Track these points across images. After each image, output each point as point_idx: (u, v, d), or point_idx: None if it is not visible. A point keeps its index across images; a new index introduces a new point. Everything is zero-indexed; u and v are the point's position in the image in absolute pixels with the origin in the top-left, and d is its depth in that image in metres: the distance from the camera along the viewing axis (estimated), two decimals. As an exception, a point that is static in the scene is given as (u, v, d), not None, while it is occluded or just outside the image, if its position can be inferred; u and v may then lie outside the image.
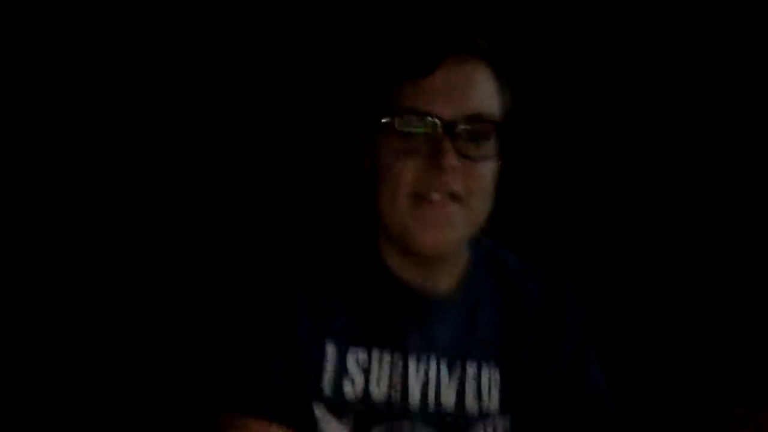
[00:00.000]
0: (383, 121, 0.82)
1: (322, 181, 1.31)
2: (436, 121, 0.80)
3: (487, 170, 0.84)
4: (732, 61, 1.33)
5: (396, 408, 0.86)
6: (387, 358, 0.87)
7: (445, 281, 0.91)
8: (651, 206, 1.38)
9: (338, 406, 0.85)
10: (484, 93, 0.83)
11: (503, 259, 0.97)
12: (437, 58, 0.81)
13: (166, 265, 1.34)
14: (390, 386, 0.87)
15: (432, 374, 0.88)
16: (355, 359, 0.87)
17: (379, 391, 0.86)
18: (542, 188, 1.37)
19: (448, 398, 0.88)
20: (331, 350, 0.87)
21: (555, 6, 1.31)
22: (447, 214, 0.82)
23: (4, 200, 1.24)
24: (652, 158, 1.37)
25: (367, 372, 0.86)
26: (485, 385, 0.89)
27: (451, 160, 0.79)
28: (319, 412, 0.85)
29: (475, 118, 0.81)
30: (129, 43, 1.30)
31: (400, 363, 0.87)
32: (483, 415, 0.88)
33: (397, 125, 0.81)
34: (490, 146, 0.83)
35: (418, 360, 0.88)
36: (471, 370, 0.89)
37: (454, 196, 0.81)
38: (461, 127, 0.80)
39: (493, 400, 0.89)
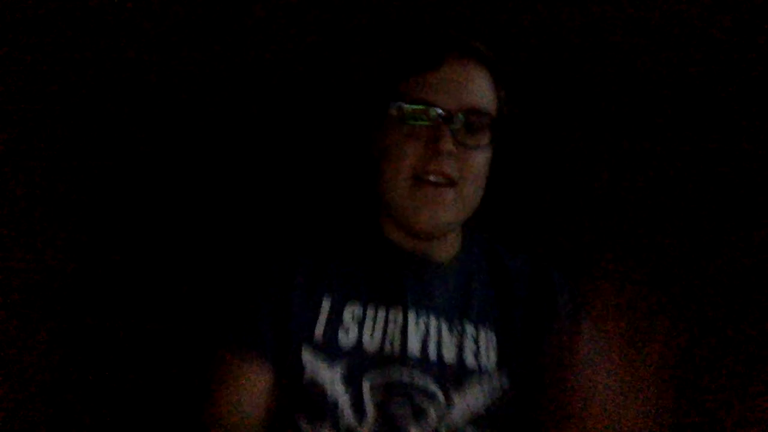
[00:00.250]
0: (392, 110, 0.93)
1: (331, 166, 1.36)
2: (438, 110, 0.90)
3: (480, 159, 0.94)
4: (722, 59, 1.34)
5: (390, 358, 0.91)
6: (382, 313, 0.93)
7: (441, 257, 1.00)
8: (649, 207, 1.38)
9: (330, 352, 0.91)
10: (480, 90, 0.94)
11: (495, 246, 1.07)
12: (441, 57, 0.92)
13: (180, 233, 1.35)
14: (384, 337, 0.92)
15: (432, 329, 0.94)
16: (351, 312, 0.93)
17: (372, 341, 0.92)
18: (541, 188, 1.39)
19: (450, 351, 0.93)
20: (327, 304, 0.94)
21: (552, 12, 1.35)
22: (442, 197, 0.91)
23: (4, 200, 1.25)
24: (650, 158, 1.37)
25: (361, 324, 0.92)
26: (483, 345, 0.95)
27: (448, 145, 0.90)
28: (308, 357, 0.90)
29: (472, 111, 0.92)
30: (124, 39, 1.32)
31: (399, 317, 0.93)
32: (481, 370, 0.93)
33: (404, 114, 0.92)
34: (484, 137, 0.94)
35: (418, 315, 0.94)
36: (470, 329, 0.95)
37: (449, 181, 0.91)
38: (459, 117, 0.91)
39: (491, 359, 0.94)
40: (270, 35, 1.34)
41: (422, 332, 0.93)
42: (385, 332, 0.92)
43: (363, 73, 1.10)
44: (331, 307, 0.93)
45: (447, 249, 1.00)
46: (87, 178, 1.31)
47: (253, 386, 0.90)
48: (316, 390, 0.89)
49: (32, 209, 1.29)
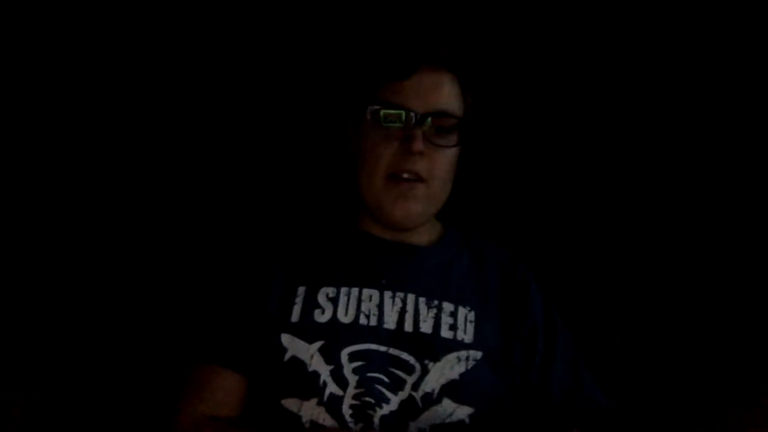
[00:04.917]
0: (368, 113, 1.01)
1: (311, 165, 1.41)
2: (411, 114, 0.99)
3: (448, 158, 1.03)
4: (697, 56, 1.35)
5: (366, 330, 0.97)
6: (356, 291, 1.00)
7: (418, 243, 1.07)
8: (643, 210, 1.38)
9: (307, 330, 0.97)
10: (448, 95, 1.03)
11: (475, 239, 1.14)
12: (414, 66, 1.01)
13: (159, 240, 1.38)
14: (358, 312, 0.98)
15: (410, 304, 1.00)
16: (325, 294, 1.00)
17: (346, 316, 0.98)
18: (533, 189, 1.42)
19: (427, 324, 0.98)
20: (302, 291, 1.01)
21: (518, 22, 1.39)
22: (413, 191, 1.00)
23: (4, 200, 1.27)
24: (645, 159, 1.39)
25: (335, 302, 0.99)
26: (461, 321, 1.00)
27: (420, 145, 0.98)
28: (287, 340, 0.96)
29: (441, 114, 1.01)
30: (113, 38, 1.36)
31: (375, 294, 1.00)
32: (457, 342, 0.98)
33: (380, 117, 1.00)
34: (452, 138, 1.03)
35: (394, 292, 1.00)
36: (448, 306, 1.01)
37: (419, 178, 1.00)
38: (429, 120, 1.00)
39: (468, 333, 0.99)
40: (255, 39, 1.40)
41: (399, 307, 0.99)
42: (359, 308, 0.98)
43: (342, 79, 1.15)
44: (306, 294, 1.00)
45: (423, 237, 1.08)
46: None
47: (226, 390, 0.98)
48: (298, 366, 0.93)
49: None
